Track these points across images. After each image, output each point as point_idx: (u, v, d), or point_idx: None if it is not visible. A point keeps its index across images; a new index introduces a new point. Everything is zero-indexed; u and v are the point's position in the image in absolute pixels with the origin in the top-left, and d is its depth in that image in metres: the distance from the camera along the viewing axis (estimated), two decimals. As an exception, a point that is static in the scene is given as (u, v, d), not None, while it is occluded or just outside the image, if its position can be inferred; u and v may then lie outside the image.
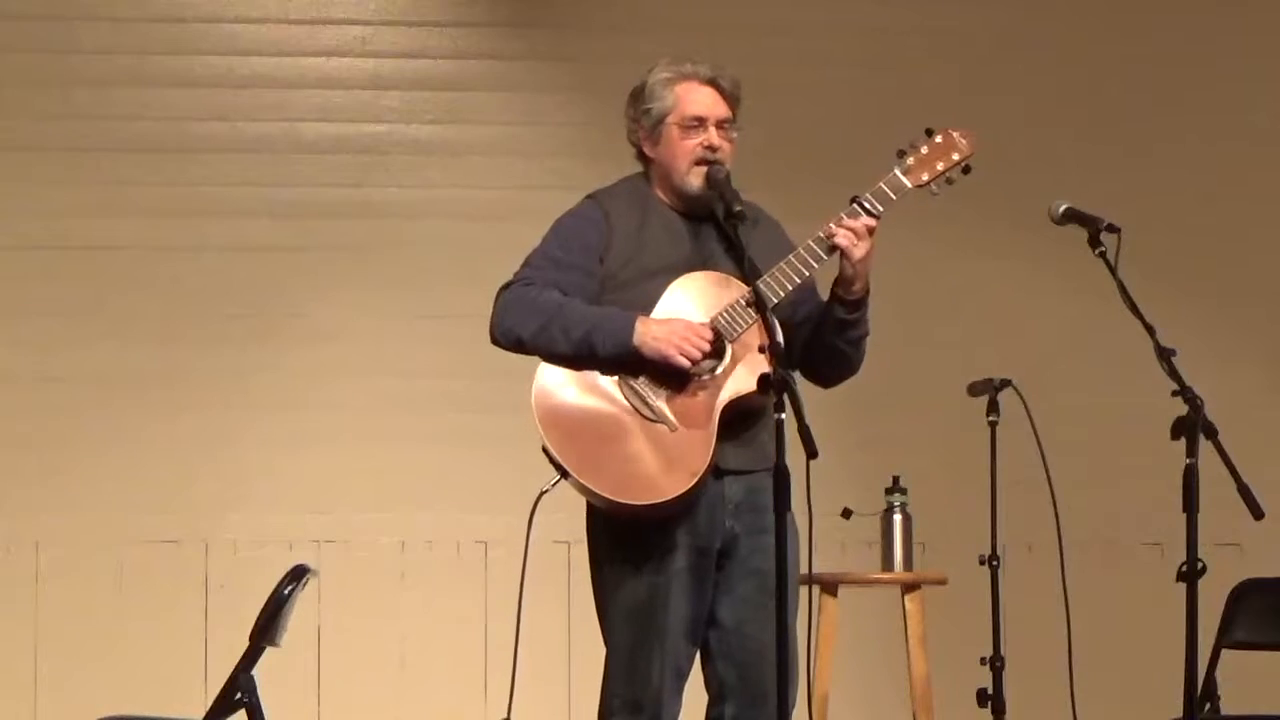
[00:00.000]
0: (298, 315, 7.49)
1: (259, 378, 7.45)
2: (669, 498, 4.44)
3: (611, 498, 4.46)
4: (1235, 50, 7.78)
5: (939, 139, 4.63)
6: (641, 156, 4.72)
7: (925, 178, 4.61)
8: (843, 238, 4.51)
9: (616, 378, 4.51)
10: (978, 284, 7.59)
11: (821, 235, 4.53)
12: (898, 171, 4.59)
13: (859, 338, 4.65)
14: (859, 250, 4.52)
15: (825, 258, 4.54)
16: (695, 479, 4.45)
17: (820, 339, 4.63)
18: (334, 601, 7.23)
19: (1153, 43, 7.77)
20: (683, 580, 4.51)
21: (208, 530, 7.36)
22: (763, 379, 4.25)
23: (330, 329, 7.49)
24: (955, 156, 4.62)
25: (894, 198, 4.57)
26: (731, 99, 4.65)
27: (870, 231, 4.53)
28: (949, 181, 4.63)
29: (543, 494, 4.52)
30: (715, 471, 4.50)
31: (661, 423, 4.48)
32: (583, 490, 4.50)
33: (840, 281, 4.58)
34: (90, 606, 7.28)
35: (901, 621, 6.35)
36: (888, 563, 6.41)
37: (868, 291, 4.59)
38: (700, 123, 4.61)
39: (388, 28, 7.62)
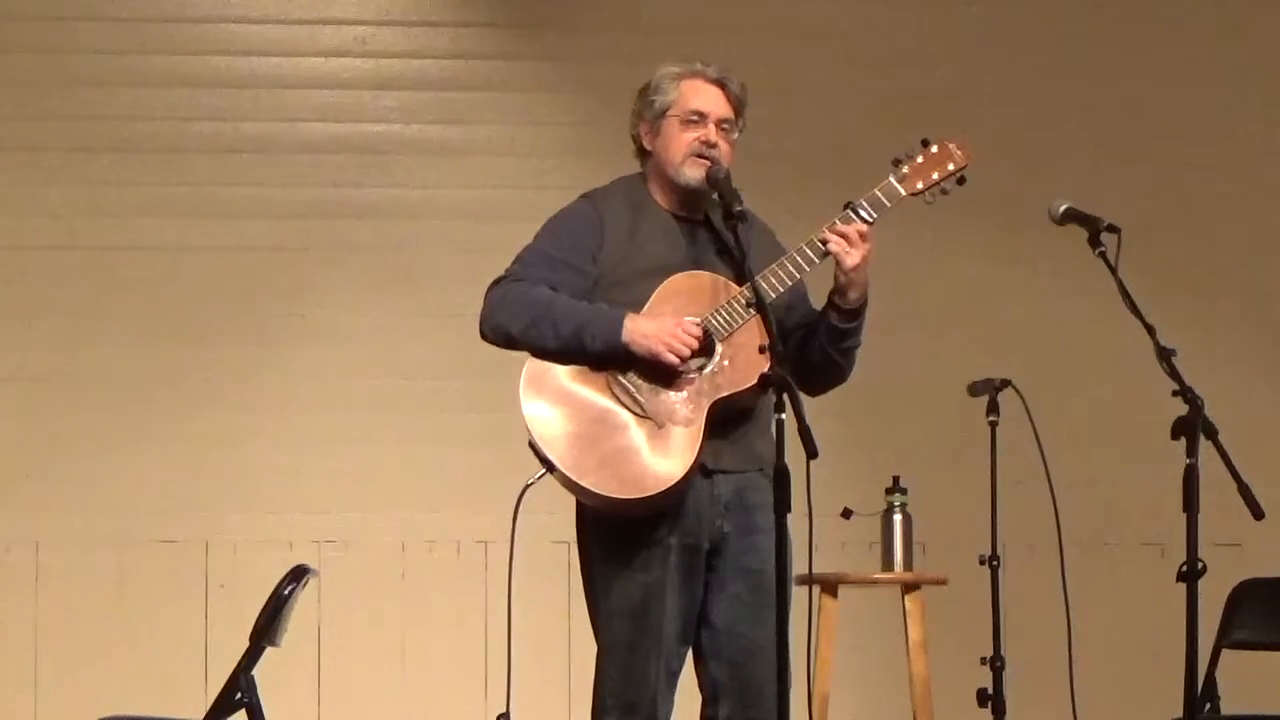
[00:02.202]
0: (298, 315, 7.50)
1: (259, 378, 7.45)
2: (653, 493, 4.45)
3: (597, 492, 4.46)
4: (1235, 50, 7.78)
5: (935, 149, 4.65)
6: (641, 153, 4.73)
7: (920, 186, 4.62)
8: (835, 243, 4.52)
9: (605, 373, 4.52)
10: (978, 284, 7.59)
11: (815, 239, 4.54)
12: (893, 179, 4.61)
13: (852, 348, 4.66)
14: (851, 258, 4.52)
15: (817, 261, 4.54)
16: (680, 475, 4.45)
17: (813, 347, 4.64)
18: (334, 601, 7.23)
19: (1153, 43, 7.77)
20: (674, 579, 4.52)
21: (208, 530, 7.36)
22: (763, 378, 4.25)
23: (330, 329, 7.49)
24: (950, 167, 4.63)
25: (888, 205, 4.58)
26: (737, 102, 4.66)
27: (864, 238, 4.52)
28: (944, 192, 4.65)
29: (527, 487, 4.52)
30: (704, 470, 4.51)
31: (649, 419, 4.48)
32: (568, 485, 4.50)
33: (836, 289, 4.59)
34: (90, 606, 7.28)
35: (901, 621, 6.35)
36: (888, 563, 6.41)
37: (864, 302, 4.60)
38: (701, 118, 4.62)
39: (388, 28, 7.62)
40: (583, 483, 4.46)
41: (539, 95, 7.63)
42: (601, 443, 4.47)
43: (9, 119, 7.42)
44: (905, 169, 4.62)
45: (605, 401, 4.51)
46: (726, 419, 4.52)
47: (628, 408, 4.50)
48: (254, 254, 7.46)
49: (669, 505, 4.49)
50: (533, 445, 4.50)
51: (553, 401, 4.51)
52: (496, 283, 4.64)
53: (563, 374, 4.53)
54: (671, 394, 4.50)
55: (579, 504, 4.59)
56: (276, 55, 7.58)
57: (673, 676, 4.57)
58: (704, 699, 4.64)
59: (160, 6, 7.53)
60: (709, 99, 4.64)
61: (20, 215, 7.42)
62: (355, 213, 7.53)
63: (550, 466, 4.48)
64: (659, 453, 4.46)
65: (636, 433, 4.48)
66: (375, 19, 7.62)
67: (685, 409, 4.49)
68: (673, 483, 4.45)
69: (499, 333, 4.59)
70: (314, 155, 7.53)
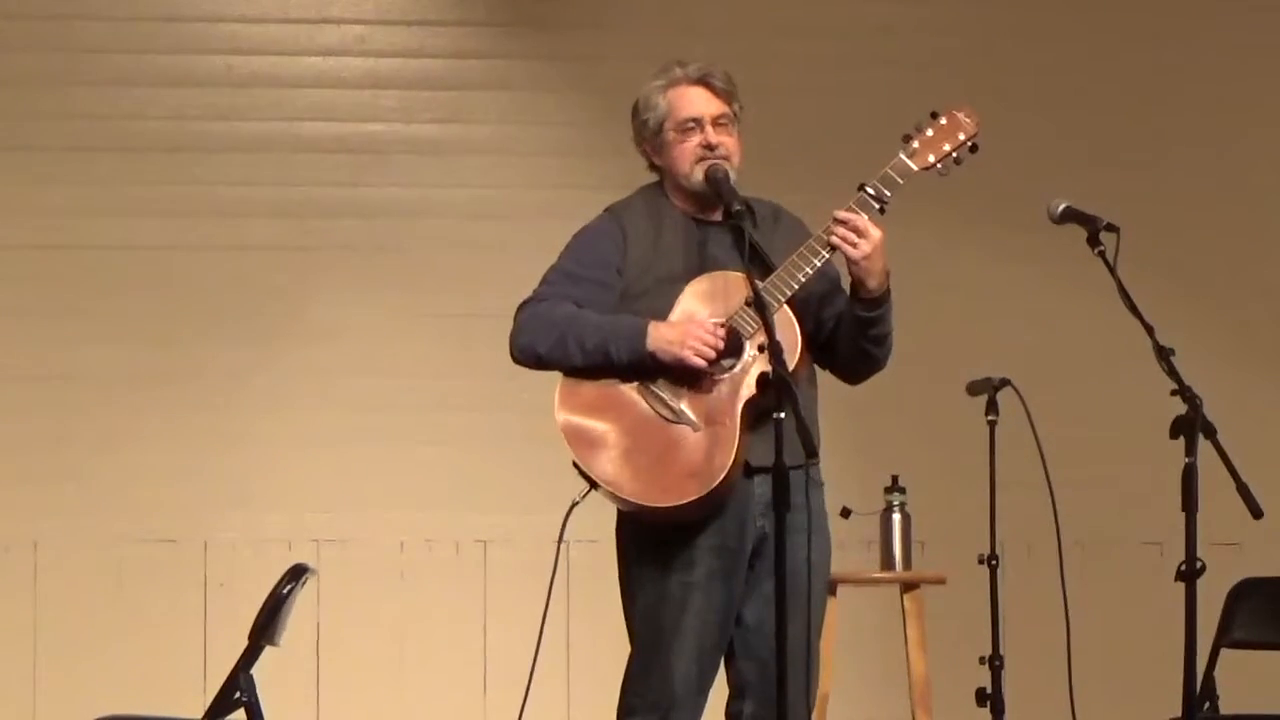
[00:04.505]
0: (298, 315, 7.50)
1: (259, 378, 7.45)
2: (695, 498, 4.43)
3: (640, 502, 4.45)
4: (1235, 50, 7.78)
5: (944, 120, 4.60)
6: (653, 167, 4.72)
7: (932, 159, 4.58)
8: (838, 237, 4.50)
9: (636, 383, 4.50)
10: (977, 284, 7.59)
11: (821, 233, 4.53)
12: (903, 156, 4.57)
13: (881, 336, 4.61)
14: (857, 251, 4.48)
15: (826, 255, 4.52)
16: (721, 477, 4.43)
17: (843, 337, 4.61)
18: (334, 601, 7.23)
19: (1152, 42, 7.77)
20: (709, 583, 4.50)
21: (208, 530, 7.37)
22: (762, 378, 4.25)
23: (330, 329, 7.49)
24: (961, 136, 4.60)
25: (900, 182, 4.54)
26: (725, 95, 4.63)
27: (862, 233, 4.49)
28: (957, 162, 4.60)
29: (574, 505, 4.49)
30: (746, 470, 4.49)
31: (683, 424, 4.47)
32: (612, 499, 4.49)
33: (853, 279, 4.56)
34: (90, 606, 7.28)
35: (901, 621, 6.35)
36: (887, 562, 6.40)
37: (887, 290, 4.56)
38: (696, 123, 4.61)
39: (387, 27, 7.62)
40: (624, 494, 4.46)
41: (539, 95, 7.63)
42: (640, 453, 4.46)
43: (9, 119, 7.42)
44: (915, 144, 4.58)
45: (639, 411, 4.49)
46: (763, 414, 4.45)
47: (662, 415, 4.48)
48: (253, 254, 7.46)
49: (712, 509, 4.47)
50: (576, 465, 4.49)
51: (587, 417, 4.50)
52: (522, 306, 4.63)
53: (594, 389, 4.52)
54: (704, 396, 4.48)
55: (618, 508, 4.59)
56: (276, 55, 7.58)
57: (705, 679, 4.54)
58: (730, 694, 4.62)
59: (160, 6, 7.54)
60: (697, 102, 4.61)
61: (20, 215, 7.42)
62: (354, 212, 7.53)
63: (594, 484, 4.48)
64: (698, 456, 4.44)
65: (673, 439, 4.46)
66: (374, 18, 7.62)
67: (719, 410, 4.47)
68: (716, 484, 4.43)
69: (527, 353, 4.58)
70: (313, 155, 7.53)
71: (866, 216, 4.50)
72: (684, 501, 4.43)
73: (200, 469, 7.37)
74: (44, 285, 7.40)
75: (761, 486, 4.52)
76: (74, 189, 7.43)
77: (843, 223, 4.48)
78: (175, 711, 5.51)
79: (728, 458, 4.44)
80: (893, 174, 4.55)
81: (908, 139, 4.59)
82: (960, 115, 4.62)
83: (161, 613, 7.29)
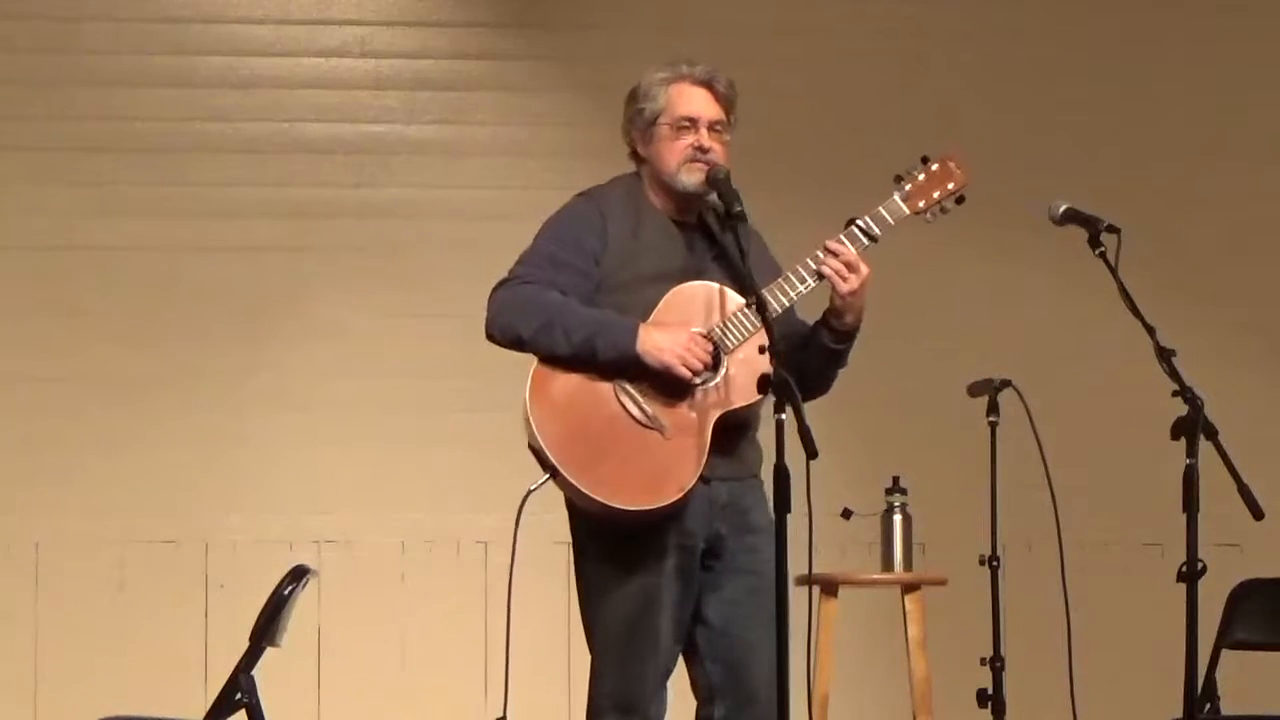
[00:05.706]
0: (298, 315, 7.50)
1: (259, 378, 7.45)
2: (657, 506, 4.45)
3: (601, 500, 4.45)
4: (1236, 51, 7.79)
5: (935, 167, 4.65)
6: (634, 156, 4.72)
7: (922, 205, 4.63)
8: (829, 269, 4.51)
9: (613, 381, 4.50)
10: (978, 284, 7.59)
11: (810, 260, 4.54)
12: (897, 197, 4.61)
13: (839, 367, 4.67)
14: (846, 285, 4.51)
15: (813, 284, 4.54)
16: (685, 489, 4.45)
17: (799, 360, 4.59)
18: (334, 601, 7.23)
19: (1153, 43, 7.77)
20: (670, 580, 4.51)
21: (208, 530, 7.37)
22: (763, 379, 4.25)
23: (330, 329, 7.49)
24: (950, 186, 4.64)
25: (892, 223, 4.60)
26: (726, 101, 4.64)
27: (855, 269, 4.51)
28: (943, 210, 4.65)
29: (530, 492, 4.50)
30: (702, 478, 4.50)
31: (654, 429, 4.48)
32: (570, 490, 4.49)
33: (831, 310, 4.59)
34: (90, 606, 7.28)
35: (901, 622, 6.35)
36: (888, 563, 6.40)
37: (858, 326, 4.60)
38: (692, 123, 4.61)
39: (388, 28, 7.62)
40: (586, 490, 4.45)
41: (539, 95, 7.63)
42: (607, 451, 4.46)
43: (9, 119, 7.42)
44: (908, 186, 4.62)
45: (612, 410, 4.49)
46: (724, 432, 4.51)
47: (634, 417, 4.48)
48: (253, 254, 7.46)
49: (669, 517, 4.48)
50: (536, 450, 4.49)
51: (559, 407, 4.49)
52: (502, 284, 4.62)
53: (570, 380, 4.51)
54: (678, 406, 4.49)
55: (570, 504, 4.58)
56: (276, 55, 7.58)
57: (665, 676, 4.57)
58: (699, 699, 4.64)
59: (160, 6, 7.54)
60: (697, 103, 4.61)
61: (20, 215, 7.42)
62: (355, 213, 7.53)
63: (554, 472, 4.47)
64: (664, 464, 4.45)
65: (642, 443, 4.47)
66: (375, 19, 7.62)
67: (691, 421, 4.48)
68: (676, 498, 4.45)
69: (508, 334, 4.57)
70: (314, 155, 7.54)
71: (855, 250, 4.52)
72: (645, 508, 4.44)
73: (201, 470, 7.37)
74: (44, 285, 7.40)
75: (717, 490, 4.55)
76: (74, 189, 7.43)
77: (834, 254, 4.50)
78: (176, 712, 5.50)
79: (694, 472, 4.46)
80: (885, 213, 4.60)
81: (900, 180, 4.63)
82: (951, 165, 4.66)
83: (163, 614, 7.29)
